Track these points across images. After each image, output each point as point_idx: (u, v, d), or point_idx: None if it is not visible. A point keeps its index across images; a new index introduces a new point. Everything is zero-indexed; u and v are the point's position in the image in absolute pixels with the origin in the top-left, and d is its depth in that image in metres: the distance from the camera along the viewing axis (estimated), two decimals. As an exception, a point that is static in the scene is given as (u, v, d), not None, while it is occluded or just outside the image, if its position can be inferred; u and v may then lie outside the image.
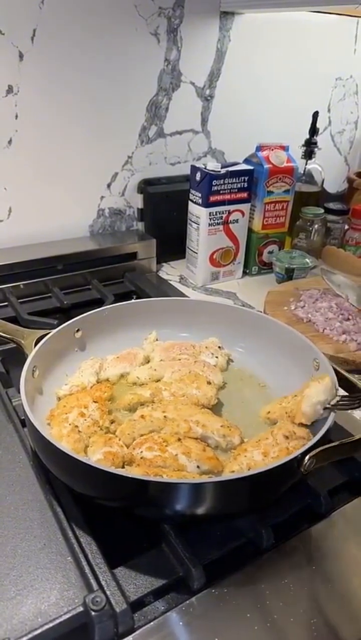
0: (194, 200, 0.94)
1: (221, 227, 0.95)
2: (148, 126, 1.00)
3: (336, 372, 0.56)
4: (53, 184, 0.94)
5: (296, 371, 0.62)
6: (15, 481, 0.50)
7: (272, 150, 0.97)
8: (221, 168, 0.90)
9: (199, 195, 0.92)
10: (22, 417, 0.57)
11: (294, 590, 0.43)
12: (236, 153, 1.09)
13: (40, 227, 0.95)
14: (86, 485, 0.46)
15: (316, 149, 1.06)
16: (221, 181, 0.91)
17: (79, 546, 0.44)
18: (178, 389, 0.60)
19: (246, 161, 0.98)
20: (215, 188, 0.90)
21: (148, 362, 0.68)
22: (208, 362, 0.66)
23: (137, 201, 1.04)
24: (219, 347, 0.69)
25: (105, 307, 0.71)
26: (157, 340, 0.71)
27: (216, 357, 0.67)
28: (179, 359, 0.66)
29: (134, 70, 0.94)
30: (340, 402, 0.53)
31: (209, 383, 0.61)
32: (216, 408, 0.60)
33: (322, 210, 1.06)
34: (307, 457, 0.44)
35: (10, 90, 0.84)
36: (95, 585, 0.40)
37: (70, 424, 0.53)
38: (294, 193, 1.01)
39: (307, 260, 0.98)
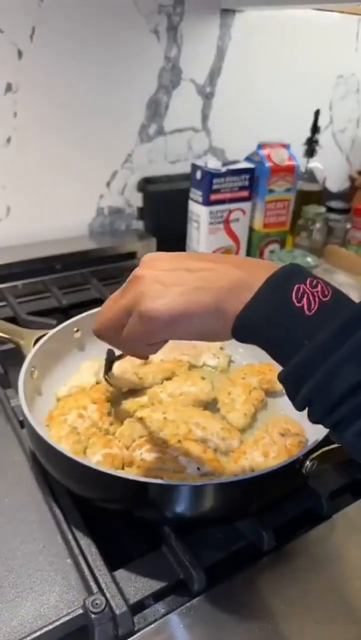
0: (195, 199, 0.93)
1: (221, 225, 0.95)
2: (148, 124, 0.99)
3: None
4: (52, 182, 0.93)
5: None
6: (14, 483, 0.50)
7: (273, 148, 0.96)
8: (222, 166, 0.90)
9: (200, 193, 0.92)
10: (21, 418, 0.57)
11: (296, 593, 0.42)
12: (237, 151, 1.08)
13: (39, 226, 0.95)
14: (85, 487, 0.46)
15: (317, 148, 1.06)
16: (222, 180, 0.90)
17: (78, 548, 0.43)
18: (175, 388, 0.59)
19: (247, 159, 0.98)
20: (216, 186, 0.90)
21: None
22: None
23: (137, 200, 1.04)
24: (220, 347, 0.68)
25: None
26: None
27: (218, 357, 0.67)
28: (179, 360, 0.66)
29: (134, 68, 0.94)
30: None
31: (203, 378, 0.61)
32: (214, 408, 0.60)
33: (324, 209, 1.06)
34: (309, 459, 0.44)
35: (9, 88, 0.83)
36: (95, 588, 0.40)
37: (68, 426, 0.52)
38: (295, 192, 1.00)
39: (309, 259, 0.98)
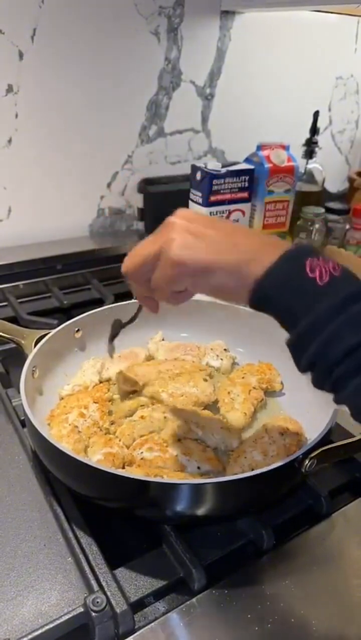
0: (195, 200, 0.94)
1: (221, 226, 0.95)
2: (148, 125, 1.00)
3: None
4: (53, 183, 0.93)
5: (296, 371, 0.62)
6: (15, 482, 0.50)
7: (273, 149, 0.97)
8: (222, 167, 0.90)
9: (200, 194, 0.92)
10: (22, 418, 0.57)
11: (295, 591, 0.43)
12: (236, 152, 1.09)
13: (40, 226, 0.95)
14: (86, 486, 0.46)
15: (316, 149, 1.06)
16: (222, 181, 0.90)
17: (79, 547, 0.44)
18: (176, 389, 0.59)
19: (247, 160, 0.98)
20: (215, 187, 0.90)
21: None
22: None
23: (138, 201, 1.04)
24: (225, 349, 0.68)
25: (105, 307, 0.71)
26: (163, 340, 0.71)
27: (221, 359, 0.67)
28: (183, 359, 0.66)
29: (134, 69, 0.94)
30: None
31: (205, 380, 0.61)
32: (214, 407, 0.60)
33: (323, 210, 1.06)
34: (308, 458, 0.44)
35: (10, 89, 0.84)
36: (95, 586, 0.40)
37: (70, 424, 0.52)
38: (295, 193, 1.01)
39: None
